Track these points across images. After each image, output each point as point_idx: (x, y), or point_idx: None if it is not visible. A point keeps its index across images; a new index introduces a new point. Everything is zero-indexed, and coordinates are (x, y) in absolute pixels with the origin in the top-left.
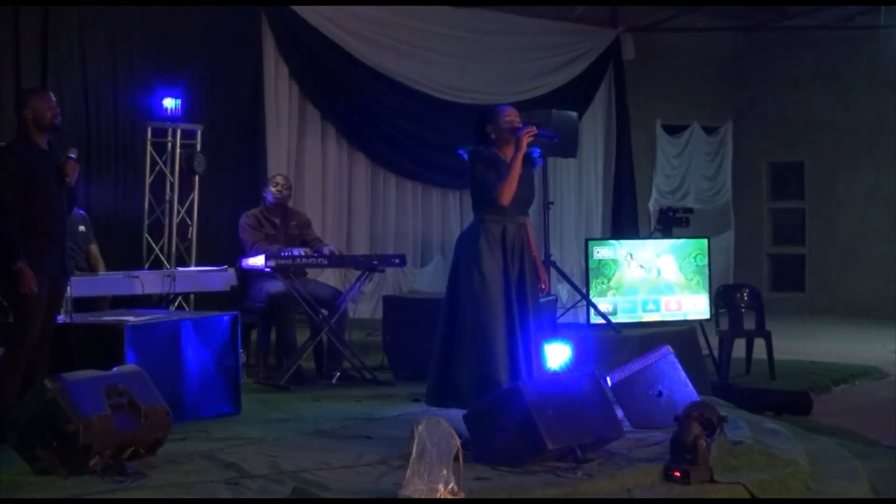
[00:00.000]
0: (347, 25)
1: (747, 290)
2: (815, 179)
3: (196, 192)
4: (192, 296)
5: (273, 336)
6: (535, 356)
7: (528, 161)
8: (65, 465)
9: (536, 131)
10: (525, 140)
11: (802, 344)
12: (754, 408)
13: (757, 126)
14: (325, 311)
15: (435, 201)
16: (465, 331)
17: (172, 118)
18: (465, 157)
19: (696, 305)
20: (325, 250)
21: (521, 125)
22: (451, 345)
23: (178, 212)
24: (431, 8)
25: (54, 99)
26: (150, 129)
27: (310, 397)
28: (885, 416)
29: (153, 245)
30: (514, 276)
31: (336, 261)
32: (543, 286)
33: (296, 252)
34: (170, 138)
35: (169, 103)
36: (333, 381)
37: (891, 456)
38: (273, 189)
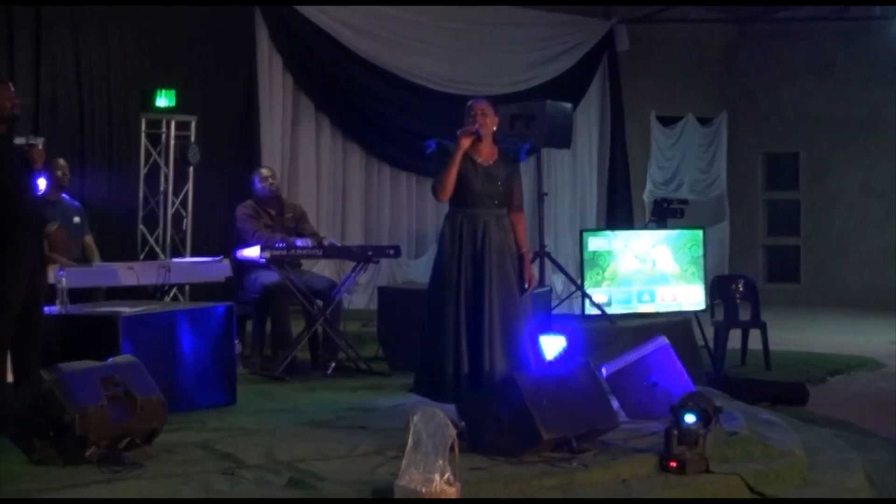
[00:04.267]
0: (341, 17)
1: (742, 281)
2: (810, 171)
3: (191, 184)
4: (187, 287)
5: (268, 327)
6: (501, 350)
7: (507, 156)
8: (61, 456)
9: (477, 133)
10: (463, 140)
11: (798, 335)
12: (750, 399)
13: (751, 117)
14: (319, 302)
15: (429, 193)
16: (425, 322)
17: (167, 110)
18: (430, 146)
19: (691, 296)
20: (326, 242)
21: (478, 122)
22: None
23: (173, 203)
24: None
25: (13, 89)
26: (144, 121)
27: (305, 388)
28: (881, 406)
29: (148, 236)
30: (469, 270)
31: (331, 252)
32: (526, 285)
33: (298, 242)
34: (164, 130)
35: (163, 95)
36: (328, 371)
37: (886, 447)
38: (262, 184)
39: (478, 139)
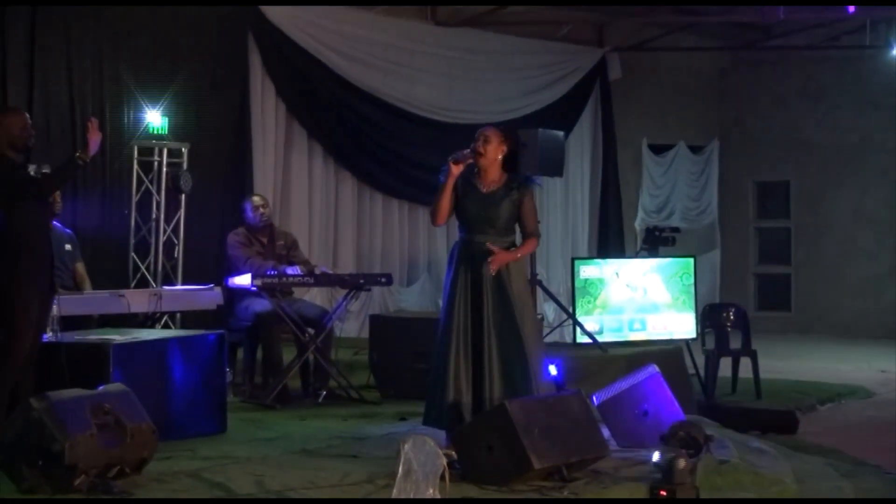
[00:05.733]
0: (334, 44)
1: (733, 310)
2: (801, 198)
3: (182, 211)
4: (178, 314)
5: (259, 355)
6: (500, 378)
7: (511, 184)
8: (50, 484)
9: (460, 159)
10: (453, 167)
11: (788, 363)
12: (740, 427)
13: (743, 145)
14: (311, 330)
15: (421, 220)
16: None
17: (159, 136)
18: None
19: (682, 325)
20: (317, 270)
21: (478, 148)
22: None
23: (165, 230)
24: (418, 26)
25: (30, 120)
26: (136, 148)
27: (296, 416)
28: (871, 435)
29: (139, 264)
30: (467, 298)
31: (322, 279)
32: (490, 258)
33: (288, 270)
34: (156, 157)
35: (155, 122)
36: (320, 399)
37: (876, 475)
38: (254, 213)
39: (473, 165)
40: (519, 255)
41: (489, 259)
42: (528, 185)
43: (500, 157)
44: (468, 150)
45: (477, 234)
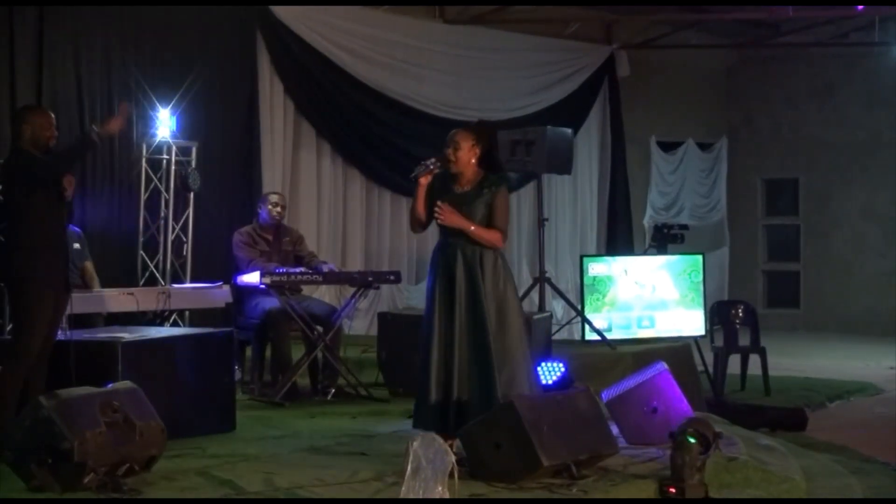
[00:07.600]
0: (342, 42)
1: (742, 307)
2: (810, 196)
3: (191, 209)
4: (186, 312)
5: (268, 352)
6: (468, 381)
7: (484, 183)
8: (59, 482)
9: (431, 171)
10: (420, 178)
11: (797, 360)
12: (749, 424)
13: (751, 143)
14: (319, 328)
15: None
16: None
17: (167, 135)
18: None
19: (691, 322)
20: (325, 268)
21: (445, 156)
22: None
23: (173, 228)
24: (426, 25)
25: (54, 120)
26: (144, 146)
27: (305, 414)
28: (881, 432)
29: (148, 262)
30: (444, 300)
31: (331, 277)
32: (440, 212)
33: (294, 269)
34: (165, 155)
35: (164, 120)
36: (328, 397)
37: (886, 472)
38: (270, 209)
39: (446, 172)
40: (472, 228)
41: (437, 206)
42: (500, 184)
43: (473, 159)
44: (433, 160)
45: (451, 237)
